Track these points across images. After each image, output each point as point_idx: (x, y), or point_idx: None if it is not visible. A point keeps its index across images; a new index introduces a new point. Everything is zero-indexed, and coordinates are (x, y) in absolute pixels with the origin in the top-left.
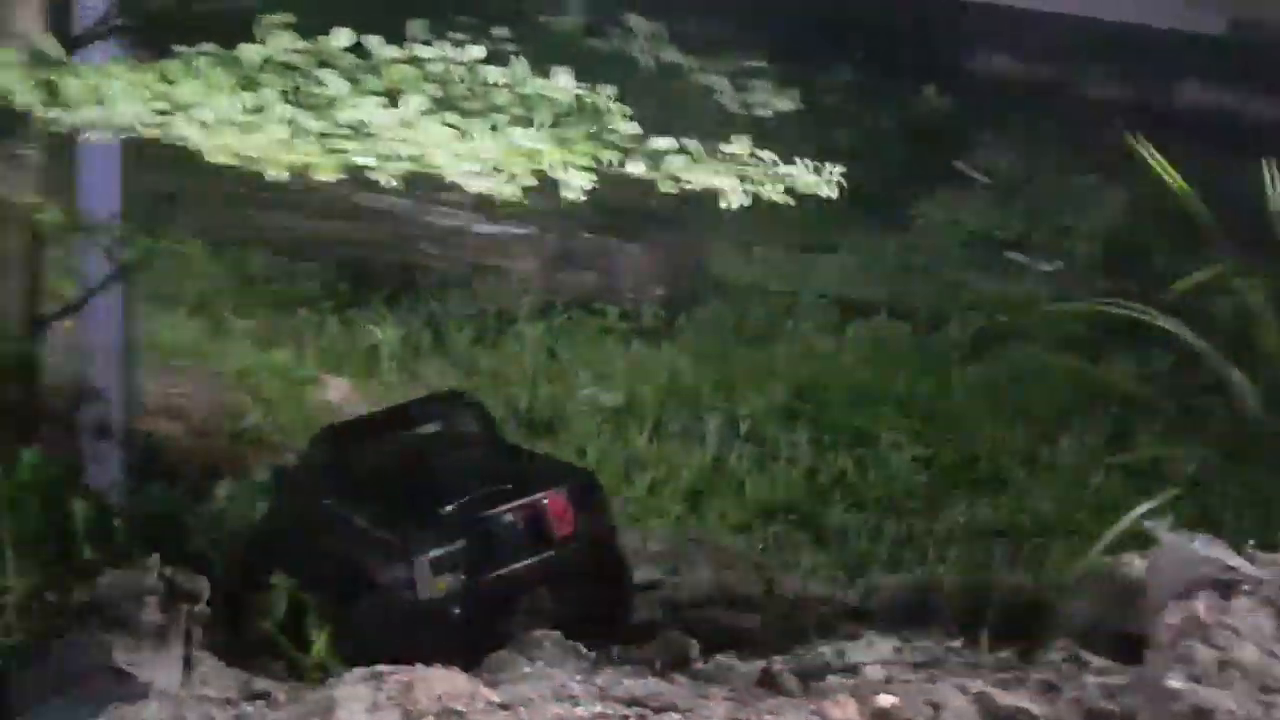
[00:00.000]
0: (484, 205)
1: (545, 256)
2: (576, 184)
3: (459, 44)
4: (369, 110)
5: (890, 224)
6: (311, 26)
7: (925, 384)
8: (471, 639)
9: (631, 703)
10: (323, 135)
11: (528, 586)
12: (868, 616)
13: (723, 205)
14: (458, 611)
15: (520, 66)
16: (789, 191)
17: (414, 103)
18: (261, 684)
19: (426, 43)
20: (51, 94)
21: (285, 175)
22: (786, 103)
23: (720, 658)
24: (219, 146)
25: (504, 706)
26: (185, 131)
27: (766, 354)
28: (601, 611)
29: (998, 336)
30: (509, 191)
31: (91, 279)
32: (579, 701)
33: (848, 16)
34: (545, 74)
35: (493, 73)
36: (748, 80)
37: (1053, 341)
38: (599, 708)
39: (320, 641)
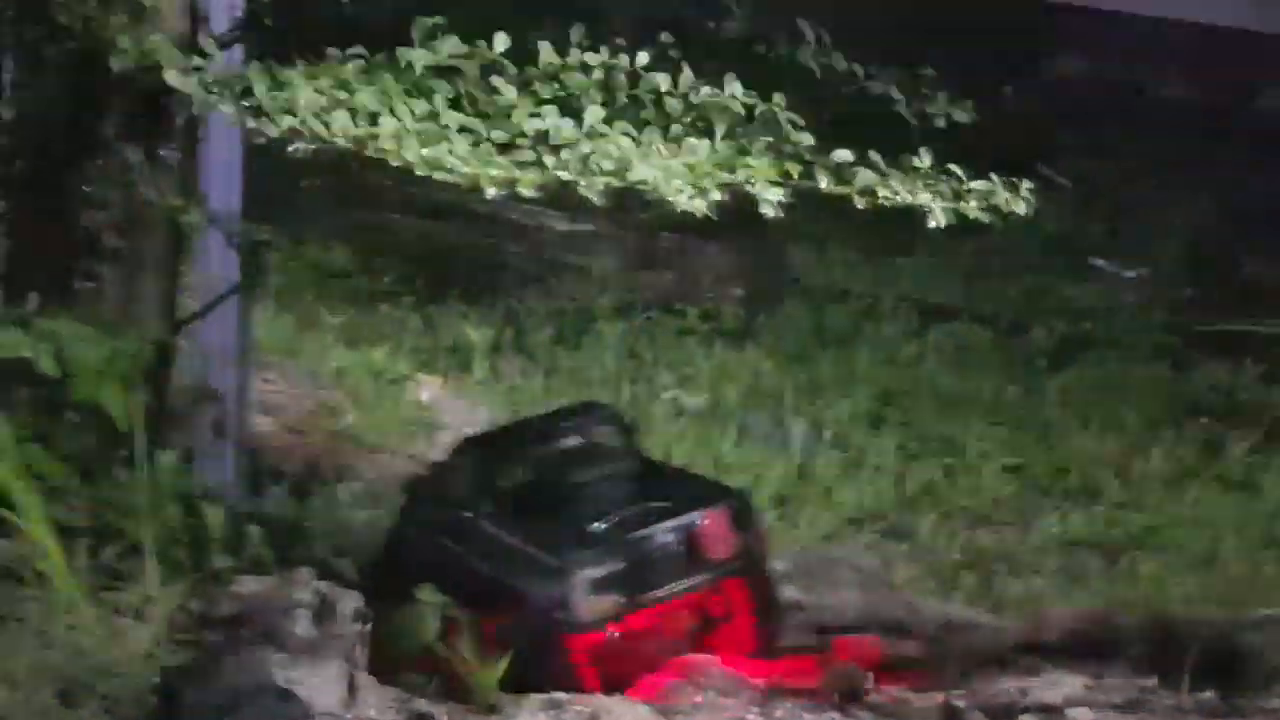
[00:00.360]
0: (562, 203)
1: (625, 255)
2: (771, 198)
3: (619, 50)
4: (553, 120)
5: (968, 226)
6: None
7: (1012, 391)
8: (629, 665)
9: None
10: (507, 146)
11: (685, 610)
12: (1037, 647)
13: (932, 224)
14: (617, 636)
15: (688, 74)
16: (991, 209)
17: (595, 113)
18: (419, 705)
19: (592, 49)
20: (244, 99)
21: (492, 191)
22: (962, 114)
23: (892, 690)
24: (430, 159)
25: None
26: (387, 144)
27: (849, 357)
28: (753, 638)
29: (1082, 344)
30: (701, 207)
31: (214, 281)
32: None
33: (927, 18)
34: (712, 82)
35: (661, 80)
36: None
37: (1140, 349)
38: None
39: (497, 665)
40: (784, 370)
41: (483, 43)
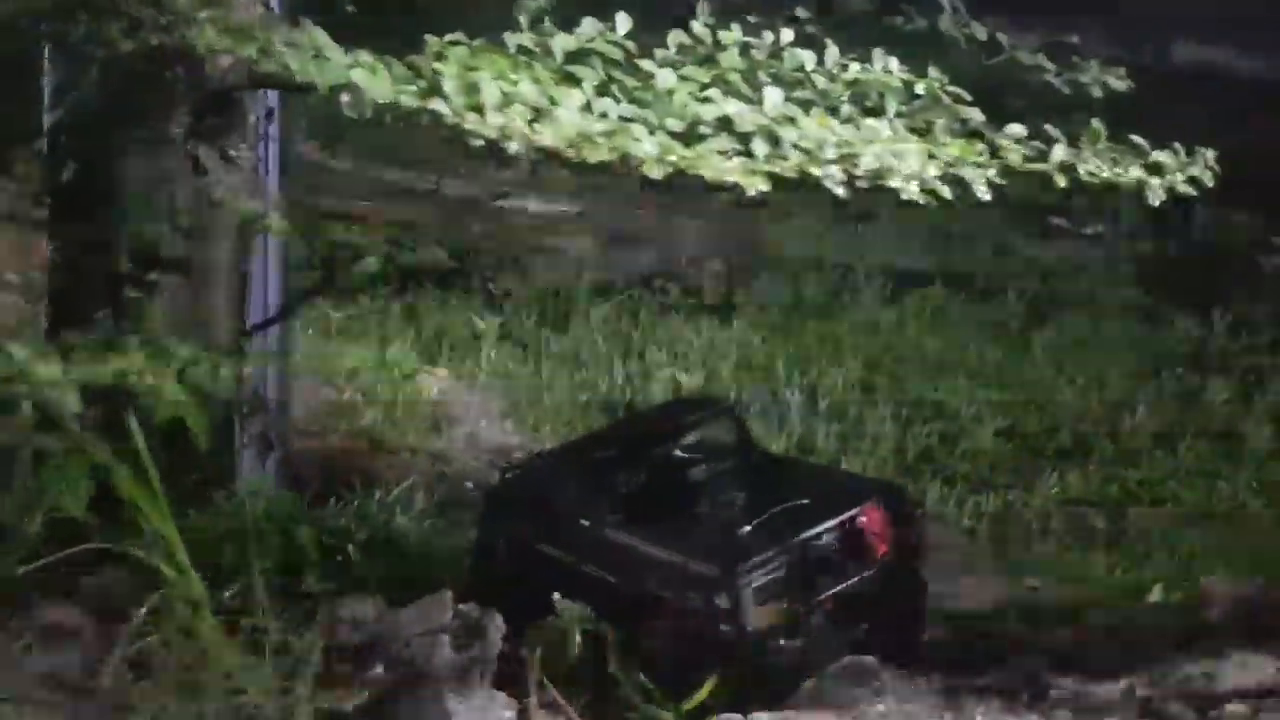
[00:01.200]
0: (534, 184)
1: (601, 235)
2: (982, 181)
3: (755, 28)
4: (735, 106)
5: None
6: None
7: (993, 354)
8: (795, 673)
9: None
10: (684, 134)
11: (850, 611)
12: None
13: (1151, 202)
14: (784, 643)
15: (834, 50)
16: (1192, 181)
17: (774, 95)
18: None
19: (724, 28)
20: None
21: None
22: (1118, 82)
23: (1065, 681)
24: (691, 160)
25: None
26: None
27: (832, 327)
28: (902, 634)
29: (1054, 303)
30: (915, 193)
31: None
32: None
33: None
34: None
35: (806, 57)
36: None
37: (1111, 306)
38: None
39: (704, 690)
40: (771, 343)
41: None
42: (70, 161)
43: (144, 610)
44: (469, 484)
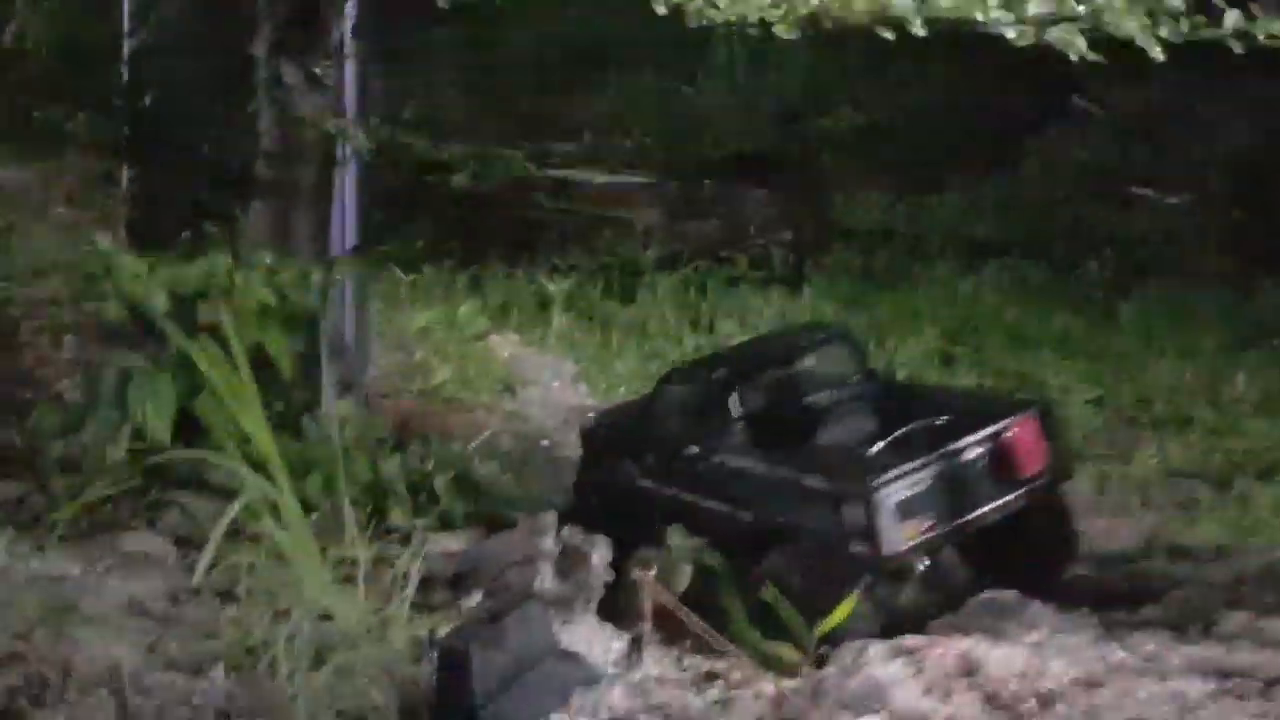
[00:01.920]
0: (597, 157)
1: (667, 206)
2: (1153, 40)
3: None
4: None
5: (998, 162)
6: None
7: (1077, 323)
8: (938, 596)
9: (1227, 675)
10: None
11: (996, 534)
12: None
13: None
14: (927, 565)
15: None
16: None
17: None
18: (703, 663)
19: None
20: None
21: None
22: None
23: (1235, 615)
24: None
25: (1092, 684)
26: None
27: (907, 297)
28: (1050, 560)
29: (1139, 272)
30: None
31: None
32: (1166, 674)
33: None
34: None
35: None
36: None
37: (1200, 275)
38: (1201, 683)
39: (839, 612)
40: (845, 312)
41: None
42: (151, 86)
43: (225, 523)
44: (544, 442)
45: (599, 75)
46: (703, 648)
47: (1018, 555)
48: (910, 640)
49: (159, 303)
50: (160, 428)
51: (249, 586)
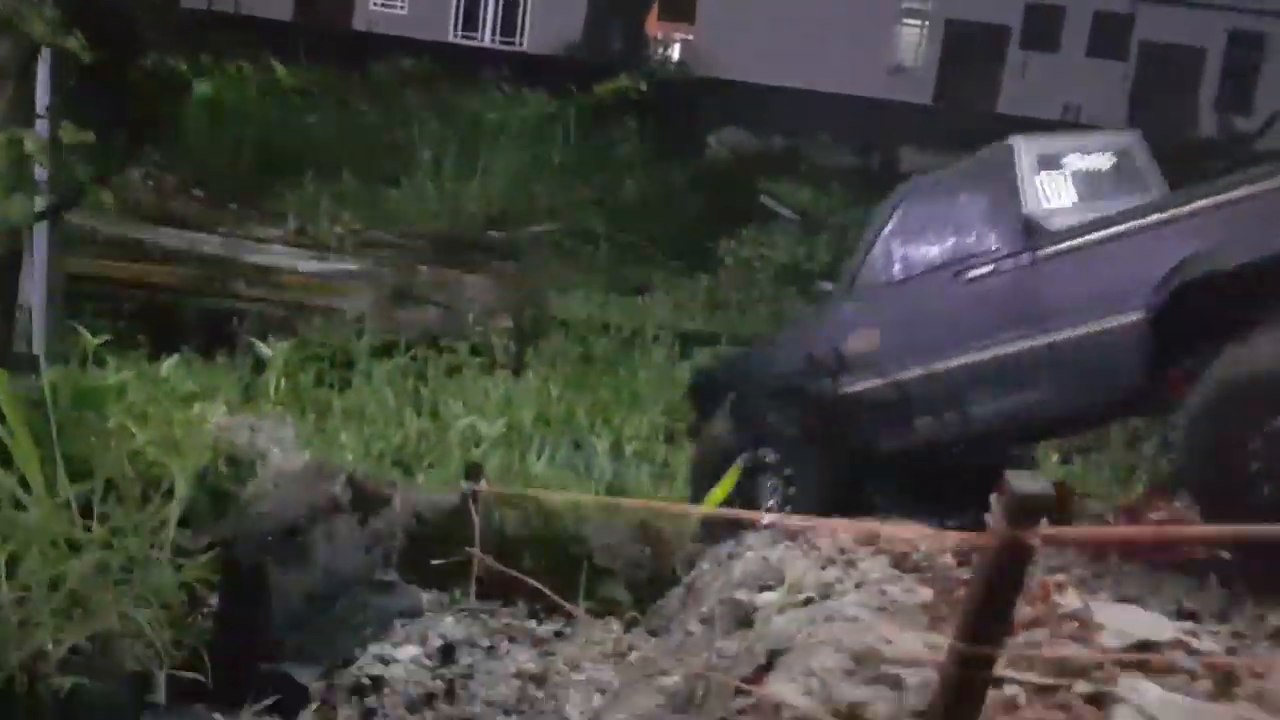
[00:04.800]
0: (304, 242)
1: (381, 293)
2: None
3: None
4: None
5: (698, 265)
6: None
7: None
8: None
9: None
10: None
11: None
12: None
13: None
14: None
15: None
16: None
17: None
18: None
19: None
20: None
21: None
22: None
23: None
24: None
25: None
26: None
27: (628, 380)
28: None
29: None
30: None
31: None
32: None
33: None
34: None
35: None
36: None
37: None
38: None
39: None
40: (570, 395)
41: None
42: None
43: None
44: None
45: (298, 174)
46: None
47: None
48: (798, 522)
49: None
50: None
51: None
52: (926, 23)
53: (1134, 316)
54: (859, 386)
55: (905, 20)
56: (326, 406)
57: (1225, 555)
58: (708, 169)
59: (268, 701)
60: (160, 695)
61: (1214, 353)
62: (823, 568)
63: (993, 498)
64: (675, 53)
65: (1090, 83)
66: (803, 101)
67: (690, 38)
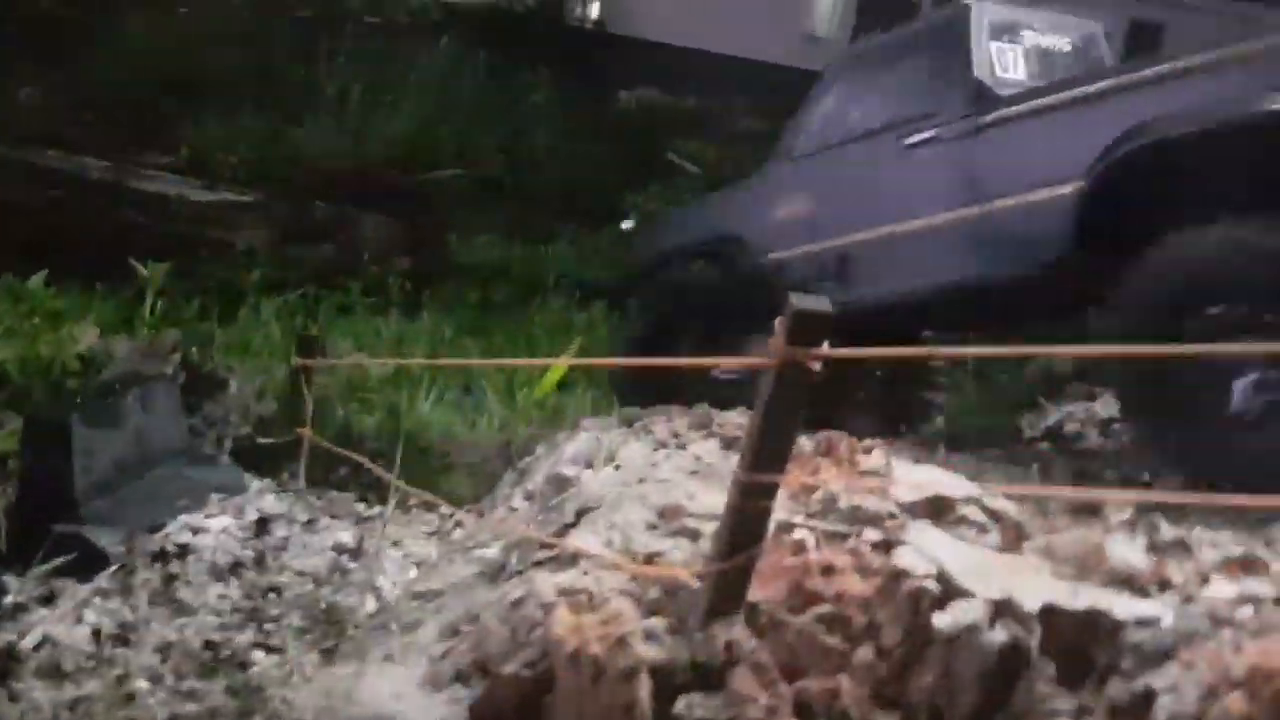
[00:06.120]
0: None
1: (273, 228)
2: None
3: None
4: None
5: (603, 217)
6: None
7: None
8: None
9: None
10: None
11: None
12: None
13: None
14: None
15: None
16: None
17: None
18: None
19: None
20: None
21: None
22: None
23: None
24: None
25: None
26: None
27: (524, 326)
28: None
29: None
30: None
31: None
32: None
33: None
34: None
35: None
36: None
37: None
38: None
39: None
40: (462, 339)
41: None
42: None
43: None
44: None
45: (197, 107)
46: None
47: None
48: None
49: None
50: None
51: None
52: None
53: (1075, 186)
54: (787, 253)
55: None
56: (209, 338)
57: None
58: (618, 124)
59: (58, 562)
60: None
61: (1151, 239)
62: (654, 449)
63: (776, 320)
64: (594, 10)
65: None
66: (716, 65)
67: None
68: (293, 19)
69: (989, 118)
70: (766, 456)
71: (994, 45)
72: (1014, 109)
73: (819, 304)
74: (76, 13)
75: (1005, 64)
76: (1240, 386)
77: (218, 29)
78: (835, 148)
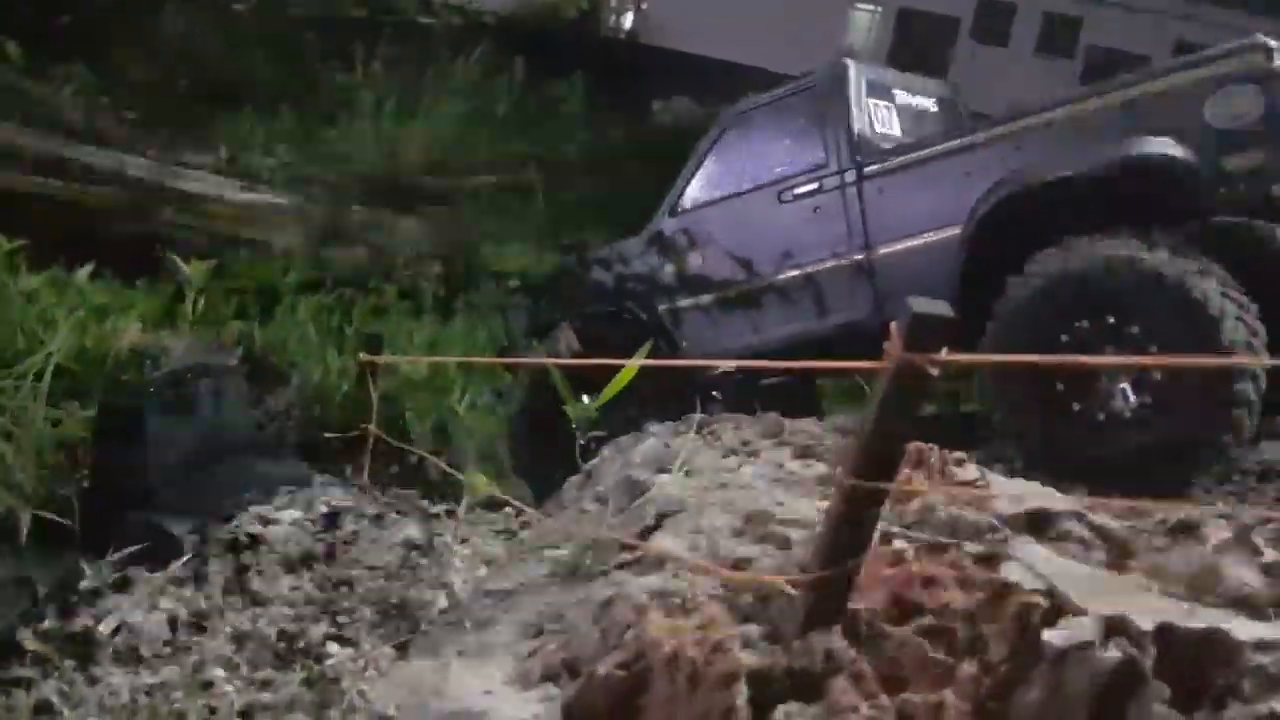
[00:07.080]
0: (237, 172)
1: (311, 230)
2: None
3: None
4: None
5: (634, 227)
6: None
7: None
8: None
9: None
10: None
11: None
12: None
13: None
14: None
15: None
16: None
17: None
18: None
19: None
20: None
21: None
22: None
23: None
24: None
25: None
26: None
27: None
28: None
29: None
30: None
31: None
32: None
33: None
34: None
35: None
36: None
37: None
38: None
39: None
40: (496, 342)
41: None
42: None
43: None
44: None
45: (236, 108)
46: None
47: None
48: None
49: None
50: None
51: None
52: (879, 8)
53: (955, 230)
54: (674, 305)
55: (858, 6)
56: (247, 337)
57: None
58: (650, 133)
59: (133, 549)
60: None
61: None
62: (724, 457)
63: (892, 324)
64: (628, 21)
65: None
66: (751, 79)
67: (645, 6)
68: (325, 21)
69: (873, 168)
70: (875, 462)
71: (870, 102)
72: (897, 160)
73: (938, 307)
74: (120, 12)
75: (880, 120)
76: (1116, 390)
77: (258, 32)
78: (720, 201)
